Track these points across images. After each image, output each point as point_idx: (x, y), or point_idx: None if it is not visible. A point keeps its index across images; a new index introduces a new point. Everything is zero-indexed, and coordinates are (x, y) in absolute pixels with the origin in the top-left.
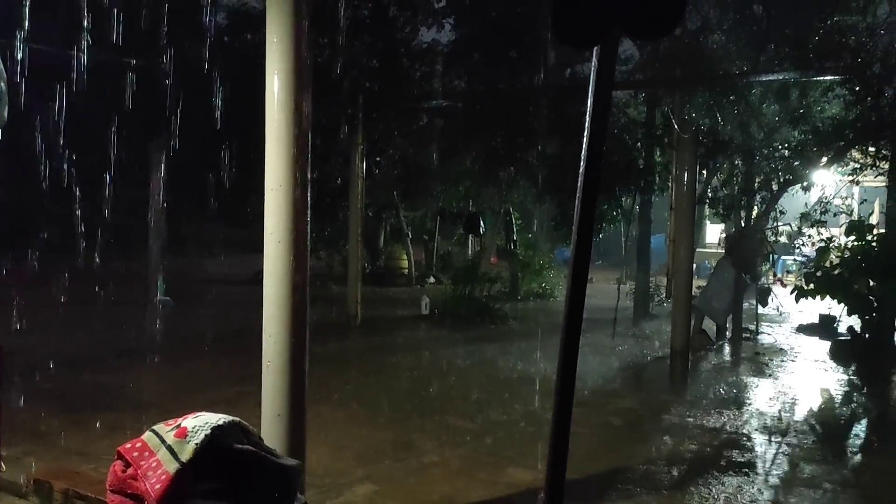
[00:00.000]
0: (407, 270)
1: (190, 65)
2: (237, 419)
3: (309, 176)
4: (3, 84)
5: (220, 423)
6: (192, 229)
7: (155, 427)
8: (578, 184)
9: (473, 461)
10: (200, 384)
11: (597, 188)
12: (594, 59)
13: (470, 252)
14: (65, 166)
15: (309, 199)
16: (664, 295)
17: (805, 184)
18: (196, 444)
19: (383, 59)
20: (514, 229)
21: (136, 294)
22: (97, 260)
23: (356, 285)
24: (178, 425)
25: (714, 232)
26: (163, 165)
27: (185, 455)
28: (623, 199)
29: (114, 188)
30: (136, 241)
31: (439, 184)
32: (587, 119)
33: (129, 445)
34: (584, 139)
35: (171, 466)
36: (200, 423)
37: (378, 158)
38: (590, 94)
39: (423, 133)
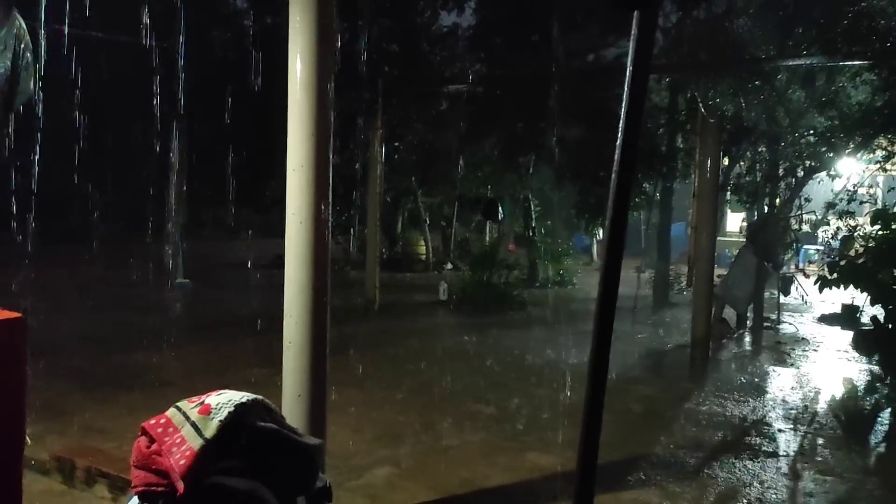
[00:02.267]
0: (424, 256)
1: (212, 48)
2: (260, 397)
3: (331, 157)
4: (29, 55)
5: (244, 400)
6: (212, 213)
7: (178, 403)
8: (613, 167)
9: (493, 445)
10: (220, 366)
11: (632, 171)
12: (633, 29)
13: (488, 238)
14: (85, 148)
15: (331, 180)
16: (684, 283)
17: (831, 171)
18: (220, 420)
19: (403, 43)
20: (533, 216)
21: (156, 276)
22: (117, 242)
23: (374, 270)
24: (202, 402)
25: (735, 220)
26: (182, 149)
27: (209, 432)
28: (644, 186)
29: (133, 170)
30: (156, 224)
31: (458, 169)
32: (625, 91)
33: (153, 421)
34: (622, 116)
35: (196, 443)
36: (224, 400)
37: (397, 143)
38: (628, 66)
39: (442, 118)
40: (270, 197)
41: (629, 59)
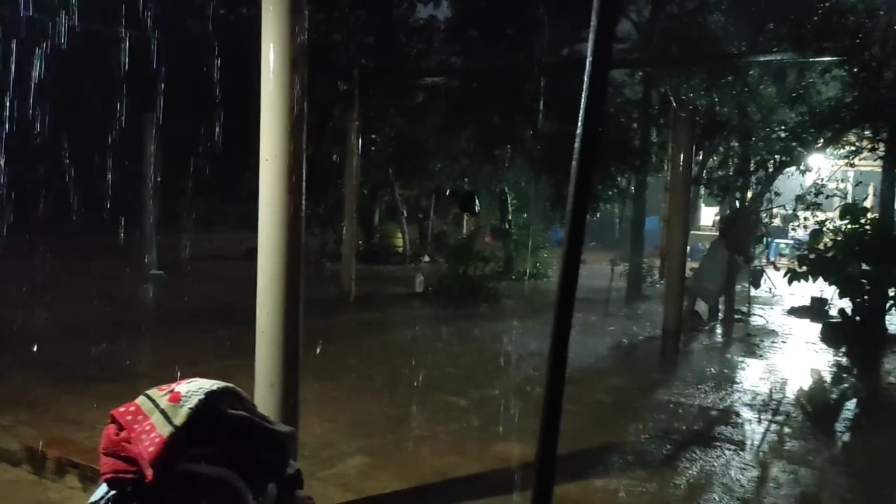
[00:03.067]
0: (401, 249)
1: (185, 38)
2: (230, 385)
3: (304, 147)
4: None
5: (214, 388)
6: (186, 205)
7: (148, 391)
8: (573, 160)
9: (464, 436)
10: (193, 356)
11: (592, 165)
12: (593, 22)
13: (465, 231)
14: (57, 139)
15: (304, 170)
16: (657, 276)
17: (801, 166)
18: (190, 408)
19: (380, 34)
20: (510, 208)
21: (129, 268)
22: (90, 234)
23: (351, 262)
24: (172, 390)
25: (708, 214)
26: (155, 140)
27: (179, 419)
28: (618, 180)
29: (107, 162)
30: (129, 215)
31: (435, 162)
32: (584, 90)
33: (122, 409)
34: (581, 114)
35: (165, 430)
36: (194, 388)
37: (374, 136)
38: (587, 64)
39: (419, 110)
40: (245, 189)
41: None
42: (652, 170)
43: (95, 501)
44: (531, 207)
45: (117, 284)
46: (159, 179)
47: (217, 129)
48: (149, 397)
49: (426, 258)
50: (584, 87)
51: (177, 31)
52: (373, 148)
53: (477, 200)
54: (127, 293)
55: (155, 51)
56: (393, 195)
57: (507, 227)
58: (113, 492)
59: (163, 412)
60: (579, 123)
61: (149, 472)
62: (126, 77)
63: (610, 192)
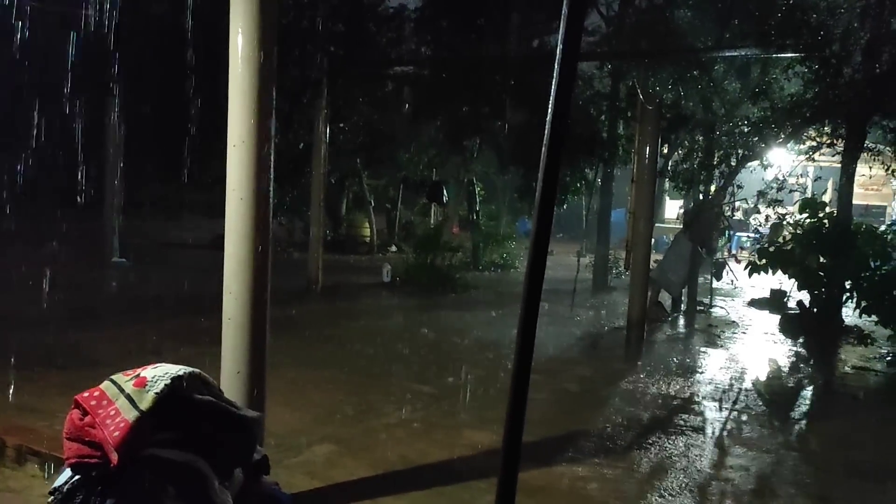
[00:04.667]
0: (369, 239)
1: (149, 21)
2: (197, 370)
3: (273, 133)
4: None
5: (180, 373)
6: (151, 192)
7: (113, 377)
8: (542, 151)
9: (432, 423)
10: (155, 344)
11: (559, 156)
12: (563, 14)
13: (432, 222)
14: (14, 124)
15: (272, 155)
16: (623, 267)
17: (763, 160)
18: (156, 393)
19: (349, 23)
20: (477, 200)
21: (91, 255)
22: (50, 220)
23: (318, 251)
24: (137, 375)
25: (673, 207)
26: (119, 125)
27: (145, 404)
28: (586, 172)
29: (68, 147)
30: (91, 201)
31: (403, 152)
32: (554, 81)
33: (86, 394)
34: (550, 105)
35: (130, 415)
36: (160, 373)
37: (342, 125)
38: (557, 57)
39: (387, 100)
40: (211, 176)
41: (559, 40)
42: (619, 162)
43: (59, 486)
44: (499, 198)
45: (78, 272)
46: (122, 165)
47: (183, 115)
48: (114, 382)
49: (393, 248)
50: (554, 78)
51: (141, 13)
52: (341, 137)
53: (445, 191)
54: (88, 280)
55: (118, 33)
56: (361, 185)
57: (474, 217)
58: (77, 476)
59: (128, 397)
60: (549, 114)
61: (114, 457)
62: (87, 60)
63: (578, 184)
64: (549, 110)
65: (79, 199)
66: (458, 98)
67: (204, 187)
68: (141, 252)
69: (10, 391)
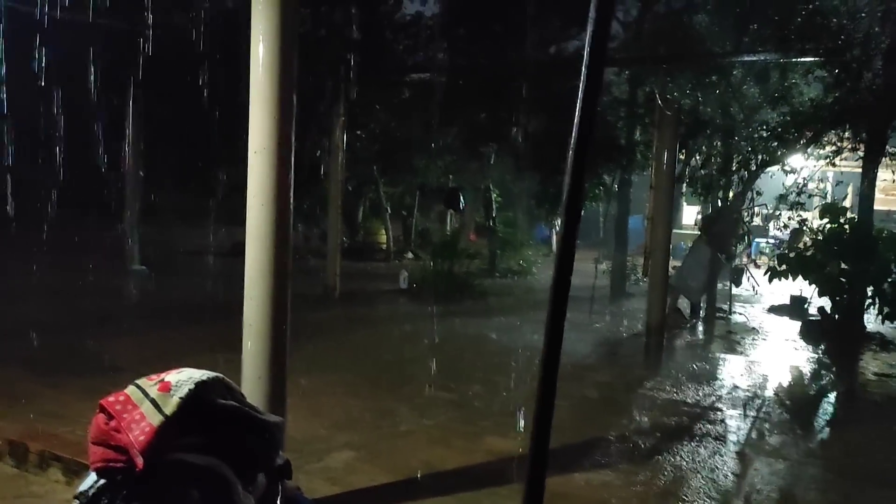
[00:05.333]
0: (385, 245)
1: (169, 30)
2: (220, 375)
3: (293, 140)
4: None
5: (204, 378)
6: (170, 200)
7: (138, 381)
8: (569, 156)
9: (451, 430)
10: (176, 351)
11: (585, 161)
12: (589, 22)
13: (448, 228)
14: (38, 132)
15: (293, 162)
16: (641, 274)
17: (783, 165)
18: (180, 397)
19: (366, 31)
20: (494, 206)
21: (111, 263)
22: (71, 228)
23: (335, 258)
24: (162, 380)
25: (690, 213)
26: (139, 134)
27: (169, 408)
28: (604, 178)
29: (89, 156)
30: (112, 210)
31: (420, 159)
32: (581, 85)
33: (111, 398)
34: (577, 109)
35: (155, 419)
36: (184, 377)
37: (358, 132)
38: (584, 61)
39: (405, 107)
40: (229, 184)
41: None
42: (637, 168)
43: (84, 491)
44: (516, 205)
45: (99, 279)
46: (142, 174)
47: (202, 123)
48: (138, 387)
49: (410, 255)
50: (581, 82)
51: (161, 23)
52: (358, 144)
53: (462, 197)
54: (109, 288)
55: (138, 43)
56: (377, 192)
57: (491, 224)
58: (102, 481)
59: (153, 401)
60: (576, 118)
61: (139, 461)
62: (109, 70)
63: (596, 191)
64: (577, 115)
65: (99, 206)
66: (475, 105)
67: (222, 195)
68: (160, 260)
69: (33, 397)
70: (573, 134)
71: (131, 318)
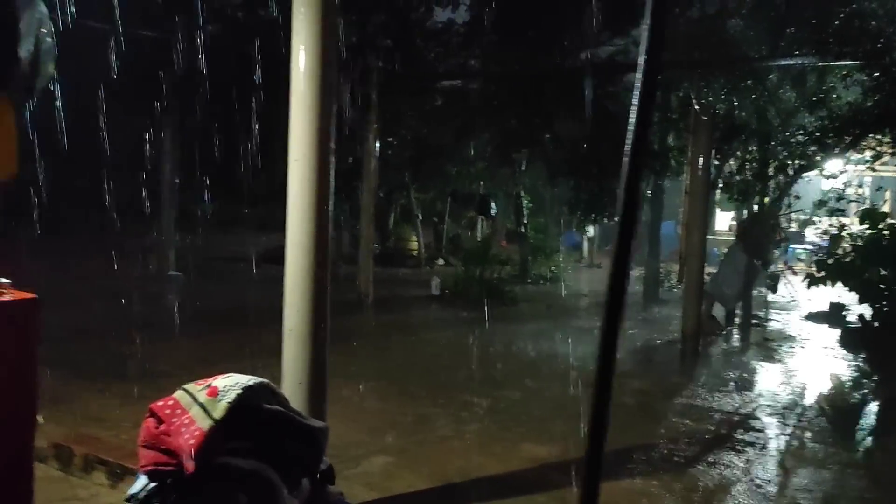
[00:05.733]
0: (416, 252)
1: (206, 39)
2: (265, 380)
3: (332, 148)
4: (49, 39)
5: (251, 383)
6: (204, 206)
7: (186, 386)
8: (625, 161)
9: (488, 436)
10: (214, 356)
11: (641, 166)
12: (645, 22)
13: (479, 234)
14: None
15: (332, 170)
16: (674, 280)
17: (820, 170)
18: (228, 402)
19: (397, 38)
20: (525, 212)
21: (147, 269)
22: (107, 234)
23: (368, 264)
24: (209, 385)
25: (724, 219)
26: (174, 141)
27: (218, 413)
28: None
29: (125, 163)
30: (147, 216)
31: (451, 165)
32: (637, 88)
33: (161, 403)
34: (633, 113)
35: (205, 423)
36: (231, 382)
37: (390, 139)
38: (639, 65)
39: (436, 114)
40: (262, 191)
41: (642, 48)
42: (671, 173)
43: (135, 493)
44: (546, 211)
45: (136, 285)
46: (177, 180)
47: (236, 131)
48: (187, 391)
49: (441, 261)
50: (638, 86)
51: (198, 32)
52: (389, 151)
53: (493, 204)
54: (145, 293)
55: (176, 51)
56: (408, 198)
57: (522, 230)
58: (153, 484)
59: (202, 406)
60: (630, 126)
61: (190, 465)
62: (146, 78)
63: None
64: (633, 118)
65: (135, 213)
66: (507, 110)
67: (255, 202)
68: (196, 266)
69: (76, 400)
70: (629, 140)
71: (169, 323)
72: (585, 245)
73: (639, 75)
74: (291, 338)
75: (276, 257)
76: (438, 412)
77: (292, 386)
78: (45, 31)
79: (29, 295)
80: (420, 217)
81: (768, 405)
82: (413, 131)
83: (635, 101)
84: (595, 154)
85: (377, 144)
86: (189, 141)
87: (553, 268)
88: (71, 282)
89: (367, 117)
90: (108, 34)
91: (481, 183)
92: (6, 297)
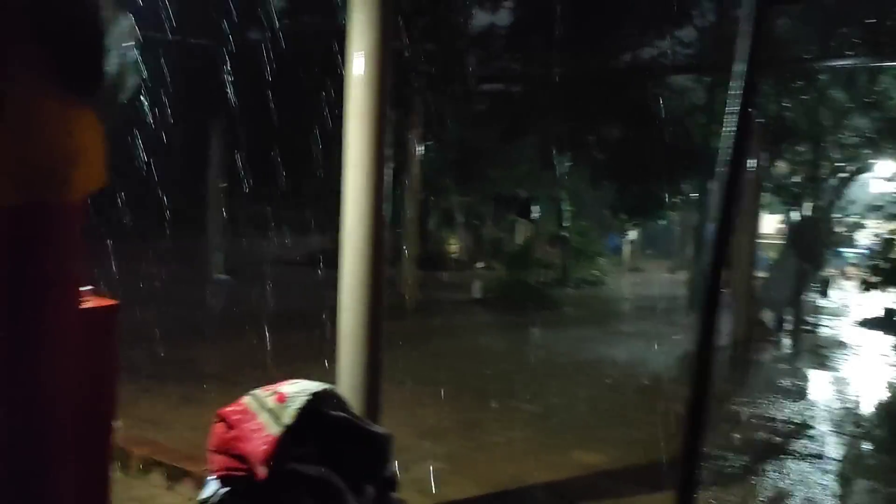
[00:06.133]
0: (456, 255)
1: (252, 46)
2: (331, 386)
3: (386, 153)
4: (135, 51)
5: (317, 389)
6: (247, 210)
7: (253, 392)
8: (724, 162)
9: (537, 443)
10: (262, 360)
11: (742, 168)
12: (743, 22)
13: (520, 238)
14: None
15: (385, 175)
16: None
17: (873, 173)
18: (296, 408)
19: (440, 41)
20: (567, 215)
21: (196, 272)
22: (155, 239)
23: (411, 268)
24: (277, 391)
25: (770, 222)
26: (220, 146)
27: (287, 419)
28: (683, 186)
29: (172, 166)
30: (193, 220)
31: (493, 168)
32: (736, 90)
33: (230, 408)
34: (733, 112)
35: (274, 429)
36: (298, 389)
37: (431, 142)
38: (738, 68)
39: (479, 117)
40: (306, 194)
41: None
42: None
43: (206, 498)
44: (588, 214)
45: (185, 288)
46: (224, 185)
47: (280, 136)
48: (255, 397)
49: (482, 264)
50: (736, 88)
51: (243, 39)
52: (430, 154)
53: (535, 207)
54: (195, 297)
55: (222, 57)
56: (449, 201)
57: (564, 233)
58: (224, 489)
59: (270, 412)
60: (730, 128)
61: (261, 471)
62: (194, 83)
63: (675, 199)
64: (734, 117)
65: (181, 217)
66: (550, 113)
67: (298, 205)
68: (243, 270)
69: (130, 403)
70: (729, 142)
71: (218, 327)
72: (627, 248)
73: (736, 82)
74: (347, 342)
75: (320, 260)
76: (486, 417)
77: (348, 390)
78: (129, 43)
79: (110, 301)
80: (461, 220)
81: (824, 414)
82: (455, 134)
83: (734, 105)
84: (640, 156)
85: (420, 148)
86: (234, 145)
87: (595, 271)
88: (119, 286)
89: (409, 121)
90: (156, 41)
91: (524, 186)
92: (89, 304)
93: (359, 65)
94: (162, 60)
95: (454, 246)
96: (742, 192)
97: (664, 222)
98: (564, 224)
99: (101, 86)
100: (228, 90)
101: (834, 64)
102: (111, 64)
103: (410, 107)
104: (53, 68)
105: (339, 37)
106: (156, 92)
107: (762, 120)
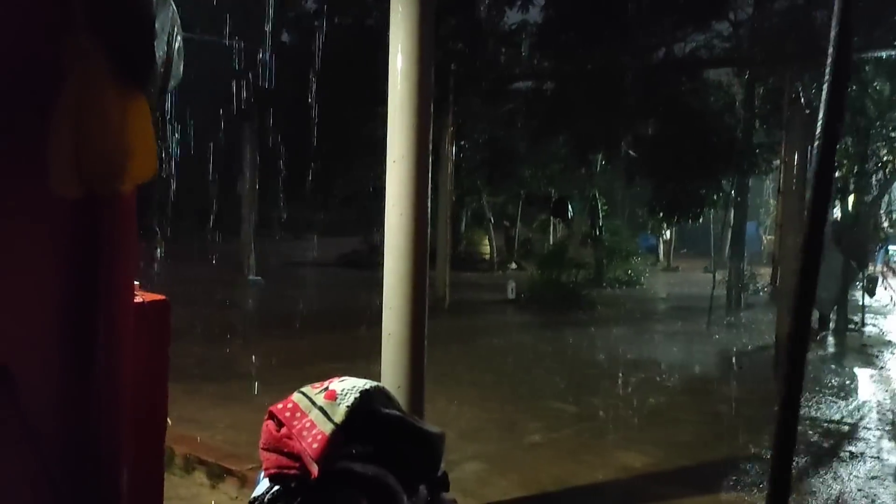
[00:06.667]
0: (488, 255)
1: (284, 51)
2: (380, 384)
3: (430, 149)
4: (180, 39)
5: (367, 387)
6: (279, 212)
7: (303, 389)
8: (814, 158)
9: (578, 443)
10: (298, 359)
11: (833, 162)
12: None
13: (553, 238)
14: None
15: (430, 172)
16: (760, 283)
17: None
18: (348, 406)
19: (471, 40)
20: (600, 215)
21: (229, 273)
22: (188, 240)
23: (444, 268)
24: (326, 388)
25: None
26: (253, 149)
27: (338, 417)
28: (722, 183)
29: (205, 169)
30: (226, 222)
31: (525, 168)
32: (826, 82)
33: (280, 406)
34: (823, 106)
35: (326, 427)
36: (348, 386)
37: (462, 142)
38: (829, 59)
39: (510, 116)
40: (337, 196)
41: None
42: (758, 172)
43: (259, 496)
44: (622, 213)
45: (219, 289)
46: (257, 187)
47: (313, 138)
48: (305, 394)
49: (513, 265)
50: (827, 79)
51: (276, 42)
52: (462, 154)
53: (570, 206)
54: (229, 298)
55: (257, 61)
56: (480, 201)
57: (597, 233)
58: (276, 487)
59: (321, 409)
60: (822, 116)
61: (314, 469)
62: (227, 86)
63: (714, 196)
64: (822, 112)
65: (214, 219)
66: (583, 111)
67: (328, 208)
68: (275, 271)
69: (170, 402)
70: (818, 135)
71: (252, 327)
72: (661, 247)
73: (828, 74)
74: (390, 342)
75: (351, 262)
76: (526, 418)
77: (391, 389)
78: (176, 31)
79: (160, 297)
80: (492, 220)
81: (874, 415)
82: (486, 133)
83: (824, 96)
84: (677, 153)
85: (453, 147)
86: (267, 149)
87: (629, 271)
88: (151, 285)
89: (441, 120)
90: (190, 43)
91: (556, 185)
92: (139, 299)
93: (401, 61)
94: (196, 61)
95: (486, 246)
96: (830, 190)
97: (700, 220)
98: (599, 224)
99: (153, 72)
100: (263, 91)
101: (880, 54)
102: (160, 51)
103: (442, 107)
104: (107, 55)
105: (375, 36)
106: (191, 92)
107: (808, 111)
